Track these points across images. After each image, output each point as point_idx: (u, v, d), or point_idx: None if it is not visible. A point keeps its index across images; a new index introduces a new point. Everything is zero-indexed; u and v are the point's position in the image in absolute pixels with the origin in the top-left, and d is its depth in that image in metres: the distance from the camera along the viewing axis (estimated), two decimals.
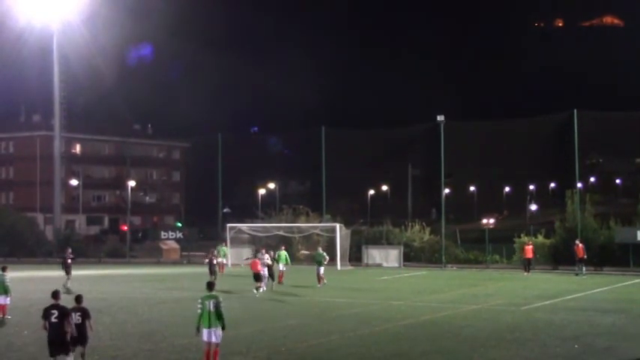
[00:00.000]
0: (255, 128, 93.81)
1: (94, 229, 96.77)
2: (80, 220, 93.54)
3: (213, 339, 17.81)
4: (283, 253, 41.35)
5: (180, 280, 42.78)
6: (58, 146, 75.25)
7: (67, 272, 38.02)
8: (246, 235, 58.35)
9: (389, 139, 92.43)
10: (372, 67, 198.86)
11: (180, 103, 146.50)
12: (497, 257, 54.88)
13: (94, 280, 44.60)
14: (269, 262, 37.36)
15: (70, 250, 40.22)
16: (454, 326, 24.73)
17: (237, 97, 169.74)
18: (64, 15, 70.76)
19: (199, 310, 17.87)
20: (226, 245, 53.05)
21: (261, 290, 35.24)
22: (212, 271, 39.31)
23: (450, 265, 53.16)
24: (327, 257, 41.40)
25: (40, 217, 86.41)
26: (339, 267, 51.77)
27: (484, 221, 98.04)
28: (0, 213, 74.35)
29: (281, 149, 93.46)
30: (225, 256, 45.19)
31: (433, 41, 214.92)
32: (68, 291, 34.63)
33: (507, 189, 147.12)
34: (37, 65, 79.11)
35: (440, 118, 55.07)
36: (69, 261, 38.34)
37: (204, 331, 17.84)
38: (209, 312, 17.76)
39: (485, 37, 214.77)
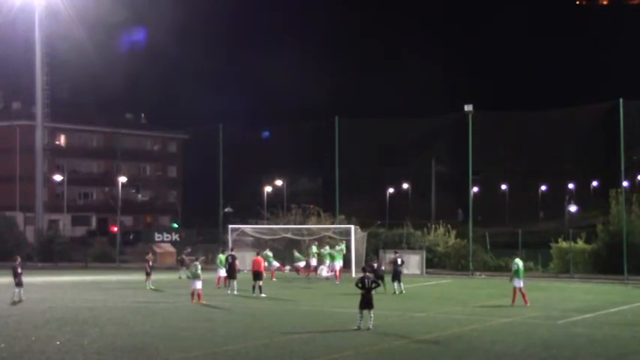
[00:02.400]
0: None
1: (80, 230, 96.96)
2: (65, 220, 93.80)
3: None
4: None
5: (176, 288, 42.79)
6: (40, 137, 75.38)
7: (18, 284, 36.24)
8: (250, 238, 58.35)
9: (410, 132, 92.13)
10: (389, 51, 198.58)
11: (178, 90, 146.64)
12: (531, 264, 54.71)
13: (79, 288, 44.68)
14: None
15: (19, 260, 39.18)
16: (483, 342, 24.61)
17: (240, 84, 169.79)
18: None
19: None
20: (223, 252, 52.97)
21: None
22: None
23: (478, 273, 53.04)
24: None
25: (19, 217, 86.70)
26: (354, 274, 51.67)
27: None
28: None
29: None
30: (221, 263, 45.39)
31: (459, 20, 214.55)
32: (14, 303, 34.75)
33: (543, 188, 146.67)
34: (17, 46, 79.34)
35: (468, 107, 54.84)
36: (19, 270, 37.05)
37: None
38: None
39: (519, 14, 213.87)
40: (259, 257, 41.65)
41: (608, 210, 53.17)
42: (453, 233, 57.94)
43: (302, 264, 50.86)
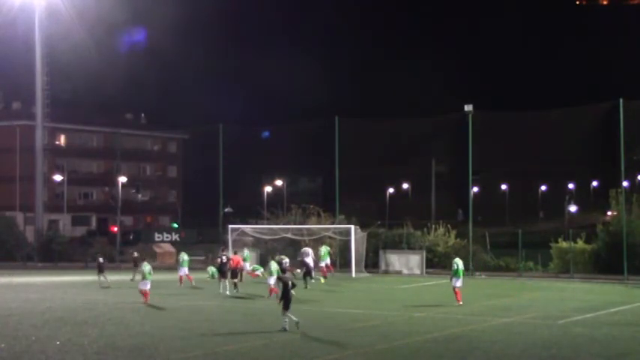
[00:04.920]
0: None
1: (80, 230, 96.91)
2: (65, 220, 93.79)
3: None
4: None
5: (176, 288, 42.81)
6: (40, 137, 75.43)
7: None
8: (250, 238, 58.33)
9: (410, 132, 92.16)
10: (391, 51, 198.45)
11: (178, 90, 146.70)
12: (531, 264, 54.71)
13: (79, 288, 44.67)
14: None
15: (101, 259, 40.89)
16: (483, 342, 24.60)
17: (240, 83, 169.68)
18: None
19: None
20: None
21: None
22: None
23: (477, 273, 53.02)
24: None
25: (19, 217, 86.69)
26: (353, 274, 51.71)
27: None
28: None
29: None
30: (184, 263, 45.50)
31: (459, 20, 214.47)
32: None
33: (543, 188, 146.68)
34: (18, 46, 79.29)
35: (468, 107, 54.83)
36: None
37: None
38: None
39: (519, 14, 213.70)
40: (237, 256, 44.60)
41: (608, 210, 53.07)
42: (453, 233, 57.91)
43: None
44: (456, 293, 34.42)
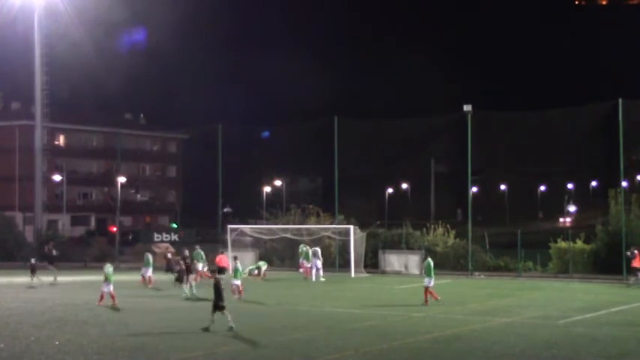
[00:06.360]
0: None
1: (80, 230, 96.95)
2: (64, 220, 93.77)
3: None
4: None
5: (175, 287, 42.70)
6: (39, 137, 75.22)
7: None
8: (249, 238, 58.33)
9: (409, 132, 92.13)
10: (389, 51, 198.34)
11: (177, 90, 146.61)
12: (530, 264, 54.69)
13: (78, 287, 44.66)
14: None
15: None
16: (483, 342, 24.62)
17: (240, 84, 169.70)
18: None
19: None
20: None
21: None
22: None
23: (477, 273, 53.02)
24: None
25: (19, 217, 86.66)
26: (353, 274, 51.72)
27: (561, 220, 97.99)
28: None
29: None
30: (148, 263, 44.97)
31: (458, 20, 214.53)
32: None
33: (542, 188, 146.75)
34: (17, 46, 79.19)
35: (467, 107, 54.83)
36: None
37: None
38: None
39: (519, 14, 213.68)
40: (224, 255, 47.32)
41: (607, 210, 53.07)
42: (453, 233, 57.87)
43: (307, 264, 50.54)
44: (430, 293, 34.83)
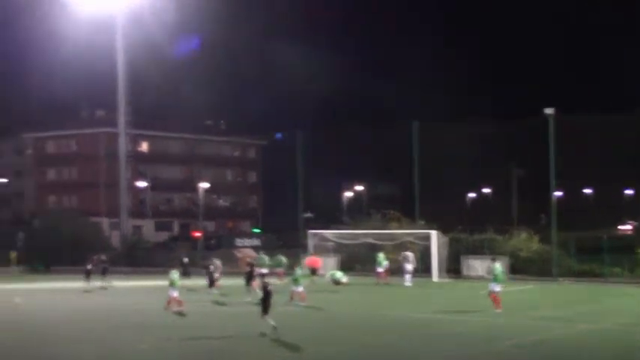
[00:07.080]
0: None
1: (163, 236, 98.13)
2: (148, 226, 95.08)
3: None
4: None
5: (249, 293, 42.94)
6: (123, 144, 76.60)
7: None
8: (331, 243, 58.28)
9: (491, 135, 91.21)
10: (466, 49, 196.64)
11: (257, 96, 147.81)
12: (617, 270, 53.48)
13: (161, 292, 45.18)
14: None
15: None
16: (568, 348, 24.19)
17: (320, 88, 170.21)
18: (130, 3, 72.00)
19: None
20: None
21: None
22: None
23: (562, 279, 52.09)
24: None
25: (105, 222, 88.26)
26: (435, 279, 51.38)
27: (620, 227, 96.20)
28: (64, 218, 75.92)
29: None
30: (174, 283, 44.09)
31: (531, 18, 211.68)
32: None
33: (630, 192, 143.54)
34: (101, 57, 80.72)
35: (548, 111, 54.08)
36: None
37: None
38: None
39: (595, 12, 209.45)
40: (314, 256, 49.76)
41: None
42: (536, 238, 57.03)
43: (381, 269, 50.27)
44: (493, 298, 33.62)
